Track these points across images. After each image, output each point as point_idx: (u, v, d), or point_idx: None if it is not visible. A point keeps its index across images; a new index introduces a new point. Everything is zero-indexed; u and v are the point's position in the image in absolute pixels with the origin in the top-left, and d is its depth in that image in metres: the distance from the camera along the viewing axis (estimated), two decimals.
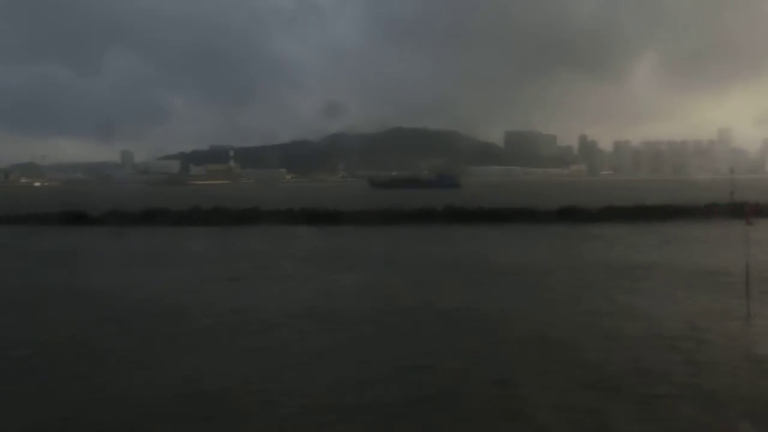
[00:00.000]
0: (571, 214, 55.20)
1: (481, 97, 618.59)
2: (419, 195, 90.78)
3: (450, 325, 18.28)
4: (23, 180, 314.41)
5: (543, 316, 19.18)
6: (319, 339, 16.95)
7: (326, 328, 18.23)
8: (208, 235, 50.42)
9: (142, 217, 65.07)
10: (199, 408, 11.95)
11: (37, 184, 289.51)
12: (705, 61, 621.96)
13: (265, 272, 29.33)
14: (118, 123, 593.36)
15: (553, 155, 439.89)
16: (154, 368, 14.62)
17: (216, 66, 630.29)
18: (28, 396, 12.94)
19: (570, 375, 13.30)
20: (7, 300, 23.10)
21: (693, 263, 28.70)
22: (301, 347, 16.13)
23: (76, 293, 24.24)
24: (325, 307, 21.07)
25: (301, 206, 65.79)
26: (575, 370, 13.56)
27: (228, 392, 12.77)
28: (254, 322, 18.91)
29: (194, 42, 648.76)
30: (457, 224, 55.63)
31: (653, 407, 11.40)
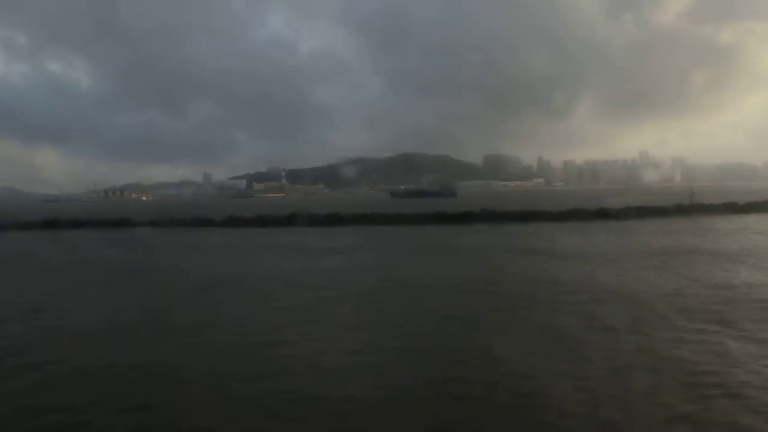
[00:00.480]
0: (574, 215, 55.44)
1: (465, 129, 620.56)
2: (429, 202, 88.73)
3: (602, 300, 17.00)
4: (134, 195, 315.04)
5: (659, 288, 18.13)
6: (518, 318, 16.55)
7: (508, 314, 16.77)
8: (323, 234, 48.76)
9: (252, 221, 65.67)
10: None
11: (143, 198, 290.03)
12: (628, 100, 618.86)
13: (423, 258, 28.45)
14: (199, 152, 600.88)
15: (518, 172, 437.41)
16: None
17: (270, 109, 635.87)
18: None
19: None
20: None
21: (712, 247, 27.62)
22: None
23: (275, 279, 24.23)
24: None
25: (370, 211, 65.00)
26: None
27: None
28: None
29: (255, 91, 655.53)
30: (493, 222, 55.48)
31: None
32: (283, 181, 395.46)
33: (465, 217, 59.00)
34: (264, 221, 65.39)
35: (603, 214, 54.26)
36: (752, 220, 45.74)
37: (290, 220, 63.82)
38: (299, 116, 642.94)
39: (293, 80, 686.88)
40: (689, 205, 53.57)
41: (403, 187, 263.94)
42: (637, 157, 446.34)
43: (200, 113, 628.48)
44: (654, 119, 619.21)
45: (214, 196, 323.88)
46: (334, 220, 62.36)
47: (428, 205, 72.08)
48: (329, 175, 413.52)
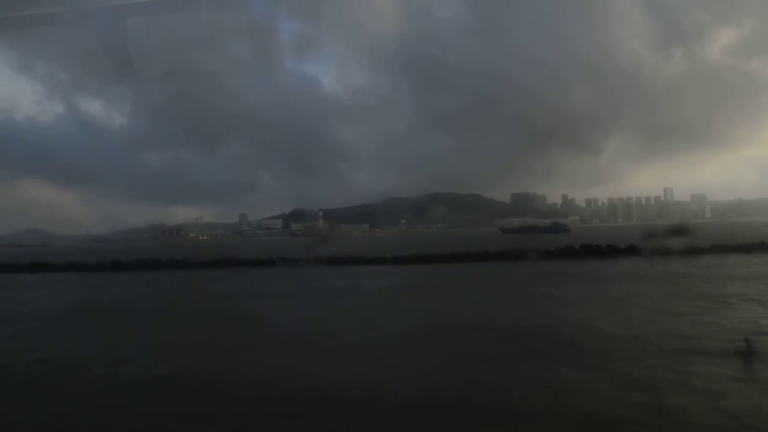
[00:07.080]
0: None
1: (493, 168, 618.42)
2: (547, 238, 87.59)
3: None
4: (191, 235, 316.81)
5: None
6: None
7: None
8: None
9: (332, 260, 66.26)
10: None
11: (201, 238, 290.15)
12: (656, 136, 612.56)
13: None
14: (226, 192, 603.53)
15: (546, 210, 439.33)
16: None
17: (297, 148, 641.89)
18: None
19: None
20: None
21: None
22: None
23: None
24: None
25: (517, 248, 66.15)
26: None
27: None
28: None
29: (282, 132, 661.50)
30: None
31: None
32: (320, 221, 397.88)
33: (630, 250, 61.03)
34: (402, 259, 66.62)
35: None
36: None
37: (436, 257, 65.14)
38: (327, 156, 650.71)
39: (321, 119, 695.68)
40: None
41: (516, 221, 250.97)
42: (662, 194, 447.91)
43: (228, 153, 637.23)
44: (681, 155, 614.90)
45: (256, 235, 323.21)
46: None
47: (553, 242, 72.76)
48: (361, 214, 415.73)
